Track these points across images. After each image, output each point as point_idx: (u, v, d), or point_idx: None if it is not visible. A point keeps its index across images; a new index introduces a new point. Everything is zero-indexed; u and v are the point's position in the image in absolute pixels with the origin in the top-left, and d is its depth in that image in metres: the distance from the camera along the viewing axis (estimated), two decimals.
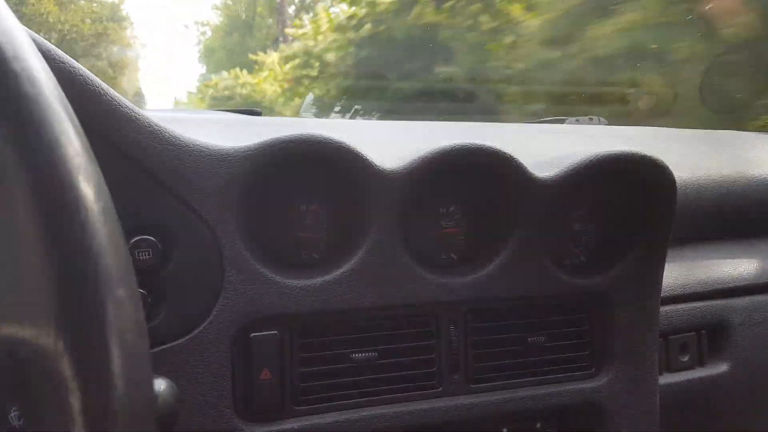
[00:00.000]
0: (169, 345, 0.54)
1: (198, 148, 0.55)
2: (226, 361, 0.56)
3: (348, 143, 0.58)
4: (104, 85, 0.51)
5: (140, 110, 0.54)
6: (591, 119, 1.33)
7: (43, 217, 0.24)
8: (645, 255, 0.69)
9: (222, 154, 0.56)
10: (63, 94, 0.28)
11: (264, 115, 1.09)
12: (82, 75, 0.49)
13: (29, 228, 0.24)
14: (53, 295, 0.24)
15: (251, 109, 1.08)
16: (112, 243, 0.26)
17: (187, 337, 0.55)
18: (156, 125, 0.54)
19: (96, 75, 0.52)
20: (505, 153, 0.61)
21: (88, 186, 0.26)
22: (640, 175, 0.66)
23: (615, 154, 0.64)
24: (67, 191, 0.25)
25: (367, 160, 0.58)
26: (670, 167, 0.90)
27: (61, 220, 0.25)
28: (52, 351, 0.24)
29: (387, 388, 0.62)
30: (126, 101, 0.53)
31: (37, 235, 0.24)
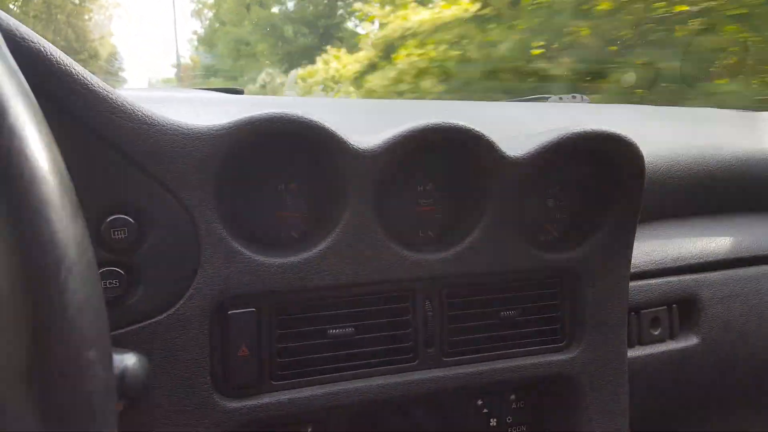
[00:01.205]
0: (147, 322, 0.55)
1: (172, 128, 0.55)
2: (203, 338, 0.57)
3: (323, 122, 0.58)
4: (75, 65, 0.51)
5: (114, 90, 0.54)
6: (574, 97, 1.34)
7: (23, 280, 0.24)
8: (614, 231, 0.71)
9: (196, 133, 0.56)
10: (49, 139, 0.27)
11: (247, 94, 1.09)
12: (50, 55, 0.49)
13: (4, 286, 0.24)
14: (24, 353, 0.24)
15: (234, 88, 1.08)
16: (90, 306, 0.26)
17: (164, 314, 0.56)
18: (130, 104, 0.54)
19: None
20: (476, 131, 0.62)
21: (70, 244, 0.26)
22: (609, 153, 0.67)
23: (583, 131, 0.65)
24: (48, 253, 0.25)
25: (341, 138, 0.59)
26: (646, 143, 0.91)
27: (39, 282, 0.24)
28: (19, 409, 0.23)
29: (363, 363, 0.64)
30: (98, 80, 0.53)
31: (12, 296, 0.24)
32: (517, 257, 0.68)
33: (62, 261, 0.25)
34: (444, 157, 0.67)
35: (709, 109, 1.27)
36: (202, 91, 1.00)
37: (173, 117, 0.74)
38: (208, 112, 0.86)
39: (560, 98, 1.32)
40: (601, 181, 0.70)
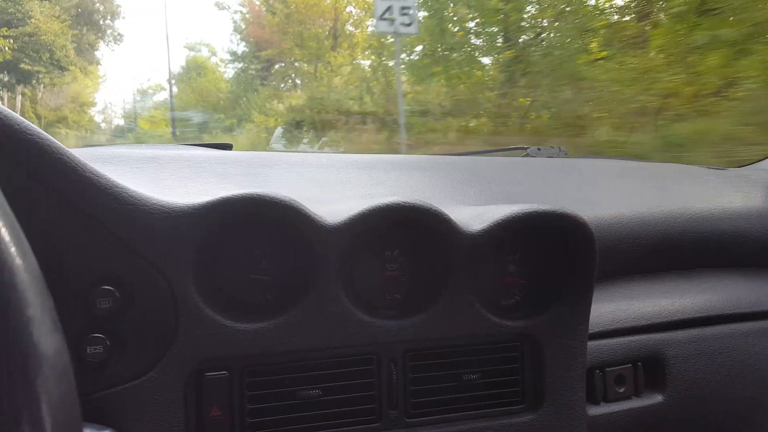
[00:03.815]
0: (126, 385, 0.60)
1: (152, 206, 0.61)
2: (179, 400, 0.62)
3: (292, 202, 0.64)
4: (51, 140, 0.56)
5: (101, 173, 0.59)
6: (552, 148, 1.38)
7: None
8: (571, 301, 0.75)
9: (175, 212, 0.62)
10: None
11: (235, 149, 1.15)
12: (26, 131, 0.54)
13: None
14: None
15: (222, 143, 1.14)
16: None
17: (142, 378, 0.61)
18: (116, 186, 0.60)
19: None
20: (434, 210, 0.67)
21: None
22: (561, 230, 0.72)
23: (535, 211, 0.70)
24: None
25: (309, 216, 0.64)
26: (617, 199, 0.94)
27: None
28: None
29: (330, 423, 0.68)
30: (75, 156, 0.58)
31: None
32: (478, 324, 0.72)
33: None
34: (410, 229, 0.72)
35: (680, 165, 1.32)
36: (191, 148, 1.06)
37: (163, 181, 0.80)
38: (196, 173, 0.92)
39: (539, 149, 1.37)
40: (555, 254, 0.75)
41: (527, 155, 1.33)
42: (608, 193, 1.07)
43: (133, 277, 0.60)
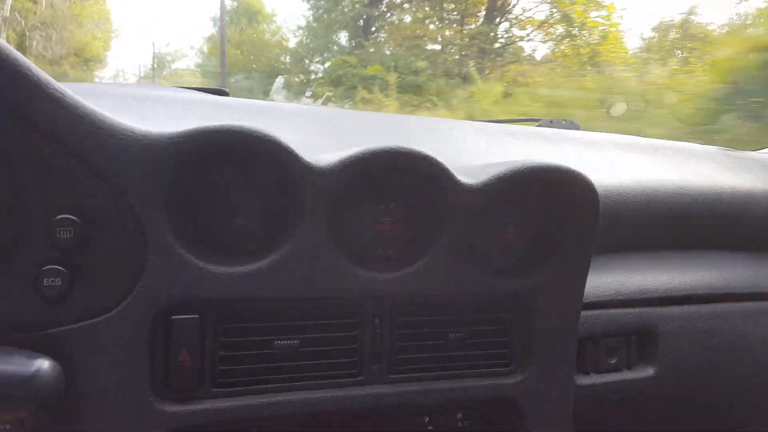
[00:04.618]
0: (87, 322, 0.56)
1: (124, 133, 0.56)
2: (144, 342, 0.58)
3: (277, 137, 0.59)
4: (27, 63, 0.51)
5: (68, 91, 0.54)
6: (564, 121, 1.34)
7: None
8: (569, 263, 0.71)
9: (149, 140, 0.56)
10: None
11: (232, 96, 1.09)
12: (7, 55, 0.49)
13: None
14: None
15: (219, 89, 1.08)
16: None
17: (105, 316, 0.56)
18: (83, 107, 0.54)
19: None
20: (431, 157, 0.62)
21: None
22: (564, 188, 0.67)
23: (539, 165, 0.65)
24: None
25: (295, 155, 0.59)
26: (627, 173, 0.90)
27: None
28: None
29: (307, 375, 0.64)
30: (52, 81, 0.53)
31: None
32: (469, 282, 0.68)
33: None
34: (405, 179, 0.67)
35: (693, 143, 1.27)
36: (183, 90, 1.00)
37: (149, 120, 0.74)
38: (184, 114, 0.86)
39: (551, 122, 1.33)
40: (556, 213, 0.70)
41: (539, 126, 1.28)
42: (617, 165, 1.03)
43: (98, 207, 0.55)
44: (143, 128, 0.57)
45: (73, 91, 0.55)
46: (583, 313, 0.77)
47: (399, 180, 0.66)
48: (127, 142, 0.55)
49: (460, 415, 0.75)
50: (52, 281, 0.54)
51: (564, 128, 1.29)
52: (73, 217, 0.54)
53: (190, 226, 0.61)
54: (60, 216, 0.54)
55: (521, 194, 0.69)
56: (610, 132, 1.29)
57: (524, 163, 0.65)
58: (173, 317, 0.59)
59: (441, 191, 0.64)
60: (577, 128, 1.32)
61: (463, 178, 0.64)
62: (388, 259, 0.69)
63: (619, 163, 1.05)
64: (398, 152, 0.62)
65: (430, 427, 0.74)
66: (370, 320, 0.66)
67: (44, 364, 0.43)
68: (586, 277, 0.72)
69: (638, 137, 1.30)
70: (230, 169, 0.62)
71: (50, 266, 0.54)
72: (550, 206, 0.70)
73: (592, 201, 0.68)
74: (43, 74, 0.52)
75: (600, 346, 0.86)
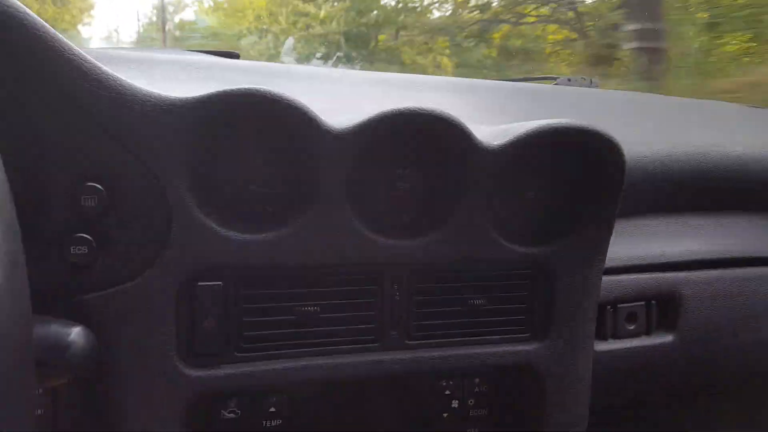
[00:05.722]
0: (113, 289, 0.57)
1: (144, 98, 0.55)
2: (170, 308, 0.59)
3: (296, 100, 0.58)
4: (46, 27, 0.50)
5: (87, 56, 0.54)
6: (584, 79, 1.31)
7: None
8: (591, 228, 0.70)
9: (168, 105, 0.56)
10: None
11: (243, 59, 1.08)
12: (24, 19, 0.49)
13: None
14: None
15: (229, 51, 1.07)
16: None
17: (131, 282, 0.57)
18: (103, 72, 0.54)
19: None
20: (451, 118, 0.61)
21: None
22: (589, 149, 0.66)
23: (560, 125, 0.64)
24: None
25: (314, 119, 0.58)
26: (648, 134, 0.88)
27: None
28: None
29: (327, 341, 0.65)
30: (69, 44, 0.53)
31: None
32: (490, 249, 0.67)
33: None
34: (424, 142, 0.66)
35: (720, 102, 1.23)
36: (193, 53, 0.99)
37: (158, 83, 0.74)
38: (196, 78, 0.85)
39: (569, 80, 1.29)
40: (580, 176, 0.69)
41: (557, 84, 1.25)
42: (639, 126, 1.00)
43: (121, 174, 0.56)
44: (162, 93, 0.56)
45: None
46: (603, 278, 0.77)
47: (417, 143, 0.66)
48: (149, 107, 0.55)
49: (477, 380, 0.76)
50: (79, 249, 0.55)
51: (583, 86, 1.26)
52: (97, 185, 0.55)
53: (212, 194, 0.61)
54: (84, 184, 0.55)
55: (544, 156, 0.67)
56: (630, 90, 1.25)
57: (549, 124, 0.63)
58: (198, 284, 0.60)
59: (461, 154, 0.63)
60: (597, 86, 1.29)
61: (484, 140, 0.63)
62: (407, 226, 0.69)
63: (641, 124, 1.02)
64: (419, 113, 0.60)
65: (447, 392, 0.75)
66: (389, 287, 0.67)
67: (80, 332, 0.44)
68: (608, 243, 0.71)
69: (657, 95, 1.27)
70: (250, 135, 0.62)
71: (76, 235, 0.55)
72: (574, 169, 0.69)
73: (618, 164, 0.66)
74: (63, 39, 0.52)
75: (618, 312, 0.85)
